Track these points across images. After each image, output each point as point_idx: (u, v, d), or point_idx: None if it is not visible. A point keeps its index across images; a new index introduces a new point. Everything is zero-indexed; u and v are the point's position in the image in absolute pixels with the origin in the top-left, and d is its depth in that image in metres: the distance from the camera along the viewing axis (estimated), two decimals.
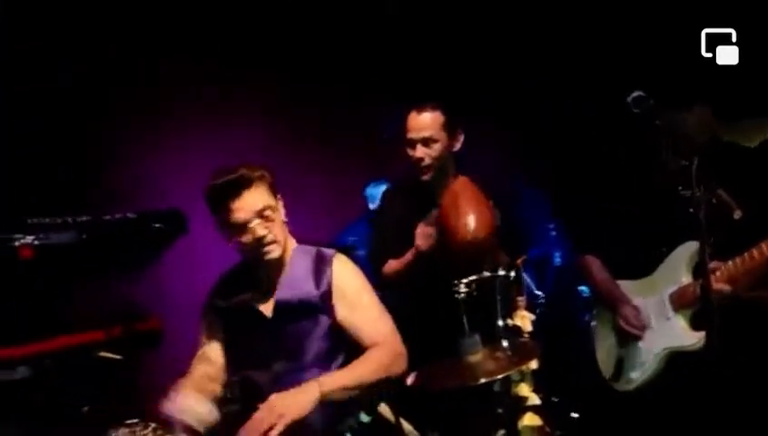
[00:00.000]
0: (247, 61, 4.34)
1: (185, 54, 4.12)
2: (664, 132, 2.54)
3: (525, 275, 3.61)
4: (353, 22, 4.55)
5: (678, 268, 2.78)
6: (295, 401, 2.14)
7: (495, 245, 2.74)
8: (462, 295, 2.39)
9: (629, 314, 2.82)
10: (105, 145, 3.88)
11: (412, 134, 2.86)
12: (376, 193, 4.46)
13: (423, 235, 2.77)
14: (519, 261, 2.66)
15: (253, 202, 2.30)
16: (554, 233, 4.73)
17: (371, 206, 4.52)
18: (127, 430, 2.27)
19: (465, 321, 2.35)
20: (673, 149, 2.79)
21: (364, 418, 2.35)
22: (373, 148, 4.51)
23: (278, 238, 2.34)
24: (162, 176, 3.89)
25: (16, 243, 2.46)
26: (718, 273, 2.61)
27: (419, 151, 2.84)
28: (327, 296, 2.35)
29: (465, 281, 2.41)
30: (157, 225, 2.89)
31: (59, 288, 2.79)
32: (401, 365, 2.35)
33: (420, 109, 2.87)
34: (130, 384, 2.91)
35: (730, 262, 2.59)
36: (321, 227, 4.33)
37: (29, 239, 2.50)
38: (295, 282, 2.38)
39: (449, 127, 2.88)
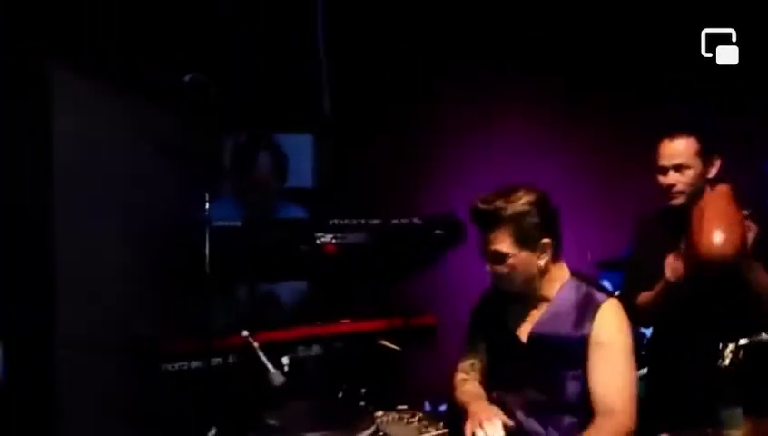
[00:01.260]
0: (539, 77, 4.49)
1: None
2: None
3: None
4: None
5: None
6: None
7: (752, 264, 2.64)
8: (726, 362, 2.27)
9: None
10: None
11: (664, 161, 2.83)
12: None
13: (671, 267, 2.73)
14: None
15: (490, 243, 2.30)
16: None
17: None
18: (397, 415, 2.53)
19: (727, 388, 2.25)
20: None
21: None
22: None
23: (515, 280, 2.34)
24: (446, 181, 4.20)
25: (318, 241, 2.85)
26: None
27: (671, 177, 2.80)
28: (584, 342, 2.30)
29: (731, 346, 2.29)
30: (438, 232, 3.14)
31: (352, 281, 3.16)
32: None
33: (673, 136, 2.81)
34: (403, 374, 3.22)
35: None
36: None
37: (328, 237, 2.88)
38: (556, 318, 2.36)
39: (704, 154, 2.79)
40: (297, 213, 3.61)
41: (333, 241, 2.87)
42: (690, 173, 2.79)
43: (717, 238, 2.53)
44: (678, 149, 2.80)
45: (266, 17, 4.28)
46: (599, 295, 2.37)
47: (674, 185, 2.81)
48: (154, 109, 3.39)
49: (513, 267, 2.32)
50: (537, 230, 2.32)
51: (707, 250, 2.54)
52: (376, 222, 3.01)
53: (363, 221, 2.98)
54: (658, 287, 2.80)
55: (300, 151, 4.32)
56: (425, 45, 4.46)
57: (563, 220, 2.46)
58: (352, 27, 4.46)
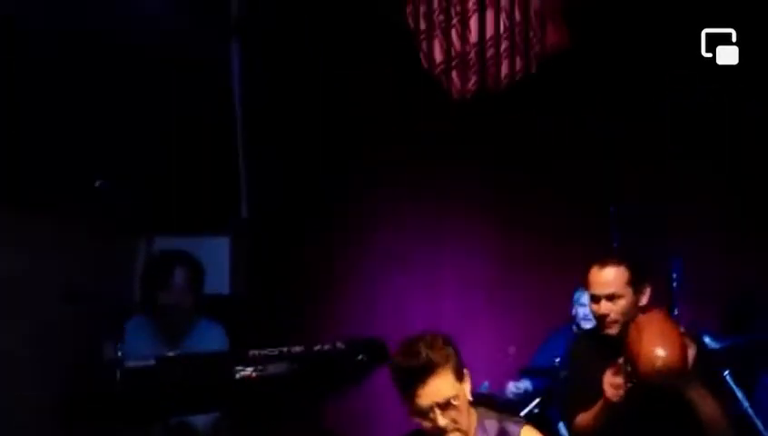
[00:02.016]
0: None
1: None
2: None
3: None
4: None
5: None
6: None
7: (697, 387, 2.62)
8: None
9: None
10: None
11: (596, 290, 2.84)
12: (577, 299, 4.45)
13: (611, 385, 2.69)
14: None
15: (438, 392, 2.23)
16: None
17: (573, 312, 4.50)
18: None
19: None
20: None
21: None
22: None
23: (461, 426, 2.28)
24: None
25: (238, 375, 2.73)
26: None
27: (604, 306, 2.82)
28: None
29: None
30: (361, 357, 3.07)
31: (272, 410, 3.05)
32: None
33: (603, 264, 2.84)
34: None
35: None
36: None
37: (249, 370, 2.77)
38: None
39: (635, 283, 2.84)
40: (215, 330, 3.48)
41: (254, 374, 2.76)
42: (622, 303, 2.80)
43: (658, 352, 2.51)
44: (609, 278, 2.82)
45: (181, 116, 4.19)
46: (513, 428, 2.36)
47: (607, 315, 2.82)
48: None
49: (460, 409, 2.28)
50: (461, 363, 2.32)
51: (648, 365, 2.53)
52: (298, 349, 2.92)
53: (285, 349, 2.88)
54: (597, 407, 2.75)
55: (216, 254, 4.21)
56: (357, 150, 4.44)
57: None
58: (271, 124, 4.43)
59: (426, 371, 2.23)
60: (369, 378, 3.18)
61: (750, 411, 3.62)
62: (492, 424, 2.36)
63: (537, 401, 4.23)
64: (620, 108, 4.32)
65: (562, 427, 4.20)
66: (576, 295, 4.46)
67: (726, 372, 3.34)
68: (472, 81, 4.38)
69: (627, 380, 2.63)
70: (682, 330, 2.72)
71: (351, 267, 4.43)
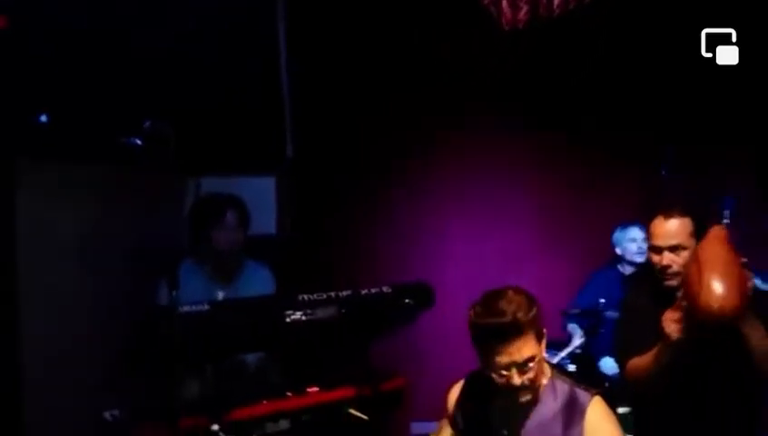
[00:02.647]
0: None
1: None
2: None
3: None
4: None
5: None
6: None
7: (748, 317, 2.52)
8: None
9: None
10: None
11: (659, 241, 2.76)
12: (622, 237, 4.44)
13: (670, 322, 2.60)
14: None
15: (518, 352, 2.21)
16: None
17: (618, 251, 4.50)
18: None
19: None
20: None
21: None
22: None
23: (533, 384, 2.28)
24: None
25: (288, 320, 2.80)
26: None
27: (667, 258, 2.75)
28: None
29: None
30: (408, 300, 3.12)
31: (321, 352, 3.13)
32: None
33: (668, 215, 2.77)
34: None
35: None
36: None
37: (298, 314, 2.84)
38: (543, 425, 2.30)
39: (698, 234, 2.78)
40: (263, 271, 3.54)
41: (303, 317, 2.83)
42: (685, 254, 2.73)
43: (719, 290, 2.41)
44: (673, 229, 2.74)
45: (226, 57, 4.18)
46: (583, 395, 2.33)
47: (669, 266, 2.76)
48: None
49: (536, 368, 2.28)
50: (541, 323, 2.28)
51: (707, 305, 2.44)
52: (345, 293, 2.98)
53: (333, 294, 2.94)
54: (656, 349, 2.67)
55: (262, 194, 4.26)
56: (396, 93, 4.41)
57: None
58: (318, 67, 4.40)
59: (510, 332, 2.20)
60: (415, 320, 3.25)
61: None
62: (563, 388, 2.34)
63: (582, 341, 4.27)
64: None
65: (603, 365, 4.25)
66: (618, 235, 4.45)
67: None
68: (524, 10, 4.27)
69: (686, 317, 2.57)
70: (743, 260, 2.57)
71: (394, 208, 4.45)
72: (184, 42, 3.91)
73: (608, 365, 4.20)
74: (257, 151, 4.33)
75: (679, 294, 2.61)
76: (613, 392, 3.70)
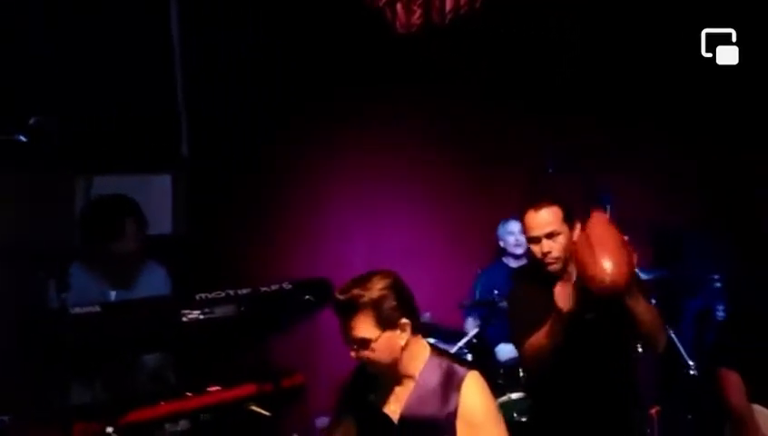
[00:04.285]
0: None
1: None
2: None
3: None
4: None
5: None
6: None
7: (634, 290, 2.74)
8: None
9: None
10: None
11: (535, 232, 2.94)
12: (503, 231, 4.62)
13: (562, 295, 2.78)
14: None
15: (352, 331, 2.41)
16: (718, 285, 4.54)
17: (501, 244, 4.68)
18: None
19: None
20: None
21: None
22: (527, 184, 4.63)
23: (381, 361, 2.43)
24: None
25: (185, 319, 2.76)
26: None
27: (546, 244, 2.92)
28: (452, 417, 2.39)
29: None
30: (308, 297, 3.12)
31: (220, 351, 3.09)
32: None
33: (538, 207, 2.94)
34: None
35: None
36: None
37: (196, 314, 2.80)
38: (422, 398, 2.44)
39: (568, 219, 2.94)
40: (158, 271, 3.47)
41: (201, 317, 2.79)
42: (561, 239, 2.92)
43: (611, 265, 2.59)
44: (546, 218, 2.92)
45: (119, 55, 4.08)
46: (460, 369, 2.48)
47: (549, 252, 2.91)
48: None
49: (377, 350, 2.42)
50: (396, 311, 2.44)
51: (601, 279, 2.61)
52: (245, 291, 2.95)
53: (231, 292, 2.91)
54: (548, 324, 2.83)
55: (157, 194, 4.18)
56: (294, 92, 4.38)
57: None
58: (214, 65, 4.33)
59: (345, 310, 2.41)
60: (315, 316, 3.26)
61: (675, 339, 3.85)
62: (441, 364, 2.48)
63: (476, 331, 4.40)
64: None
65: (498, 351, 4.41)
66: (501, 229, 4.64)
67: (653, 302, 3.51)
68: (417, 14, 4.35)
69: (577, 291, 2.72)
70: (626, 238, 2.79)
71: (293, 207, 4.44)
72: (76, 39, 3.80)
73: (503, 351, 4.37)
74: (151, 149, 4.24)
75: (569, 276, 2.77)
76: (507, 379, 3.89)
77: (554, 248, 2.92)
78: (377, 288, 2.40)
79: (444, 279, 4.48)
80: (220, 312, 2.85)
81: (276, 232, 4.34)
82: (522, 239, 4.46)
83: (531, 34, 4.44)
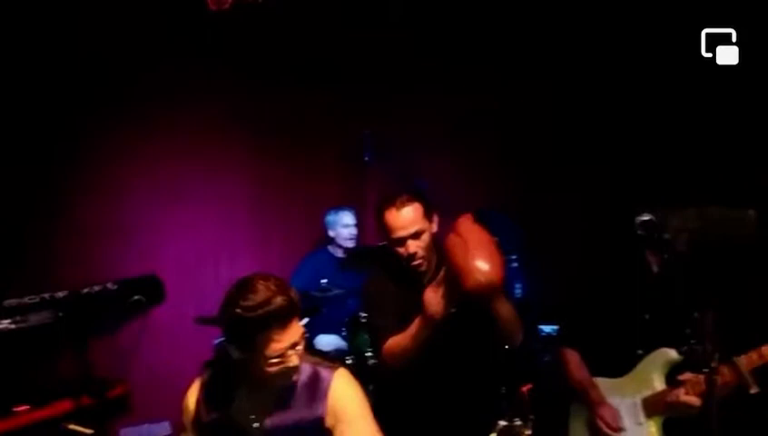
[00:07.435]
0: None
1: None
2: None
3: None
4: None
5: (652, 373, 2.84)
6: None
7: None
8: None
9: (607, 415, 2.87)
10: None
11: (400, 233, 2.76)
12: (335, 221, 4.50)
13: (433, 299, 2.60)
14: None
15: (294, 334, 2.19)
16: (515, 265, 4.56)
17: (330, 233, 4.54)
18: None
19: None
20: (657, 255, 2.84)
21: None
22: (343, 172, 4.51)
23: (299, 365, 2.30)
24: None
25: None
26: (689, 386, 2.69)
27: (412, 246, 2.79)
28: (321, 420, 2.27)
29: None
30: (137, 297, 2.81)
31: (35, 363, 2.70)
32: None
33: (399, 205, 2.80)
34: None
35: (701, 376, 2.65)
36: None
37: (6, 322, 2.40)
38: (288, 404, 2.27)
39: (428, 213, 2.86)
40: None
41: (13, 326, 2.39)
42: (426, 237, 2.78)
43: (486, 266, 2.51)
44: (410, 218, 2.74)
45: None
46: (326, 373, 2.34)
47: (416, 253, 2.77)
48: None
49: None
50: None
51: (477, 279, 2.57)
52: (62, 294, 2.59)
53: (47, 296, 2.54)
54: (414, 327, 2.66)
55: None
56: (97, 83, 3.89)
57: None
58: (14, 59, 3.72)
59: (288, 314, 2.16)
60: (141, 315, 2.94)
61: None
62: (306, 368, 2.30)
63: (306, 320, 4.23)
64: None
65: (318, 342, 4.28)
66: (332, 218, 4.49)
67: None
68: None
69: (448, 294, 2.62)
70: (496, 239, 2.74)
71: (105, 204, 3.97)
72: None
73: (323, 342, 4.25)
74: None
75: (441, 274, 2.67)
76: None
77: (420, 247, 2.78)
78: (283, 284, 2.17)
79: (263, 267, 4.23)
80: (35, 319, 2.48)
81: (89, 232, 3.82)
82: (356, 232, 4.39)
83: (367, 16, 4.28)
